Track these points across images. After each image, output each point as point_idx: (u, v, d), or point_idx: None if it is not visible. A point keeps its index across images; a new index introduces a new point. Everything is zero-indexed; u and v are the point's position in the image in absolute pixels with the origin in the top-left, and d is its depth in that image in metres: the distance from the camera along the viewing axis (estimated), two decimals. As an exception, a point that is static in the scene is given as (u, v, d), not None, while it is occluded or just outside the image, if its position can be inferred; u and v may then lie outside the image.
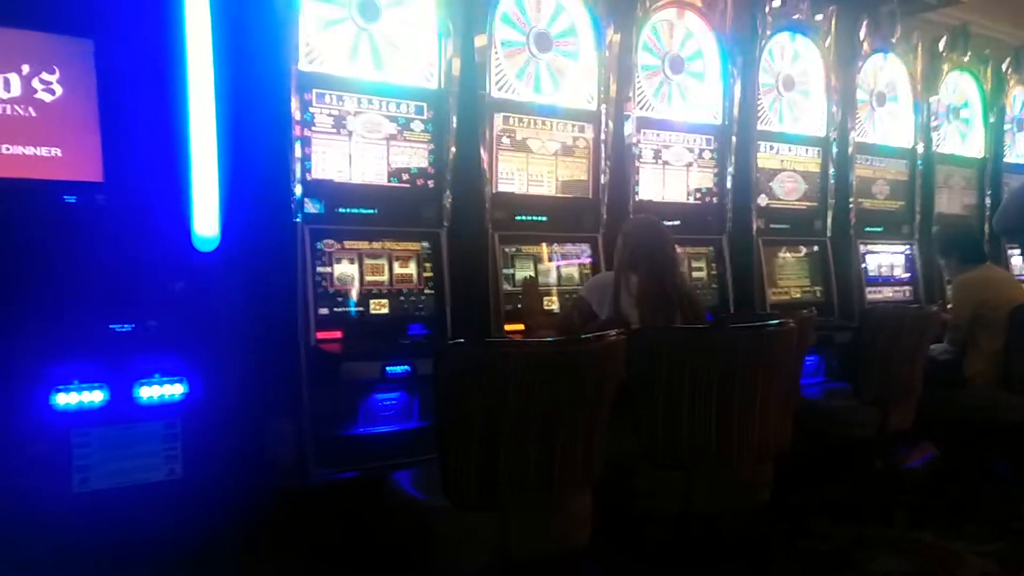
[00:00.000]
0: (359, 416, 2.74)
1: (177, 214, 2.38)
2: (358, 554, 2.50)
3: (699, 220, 3.83)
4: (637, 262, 2.79)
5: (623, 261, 2.84)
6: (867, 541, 3.29)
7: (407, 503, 2.13)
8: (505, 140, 3.23)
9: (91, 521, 2.18)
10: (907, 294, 4.62)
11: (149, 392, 2.29)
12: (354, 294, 2.85)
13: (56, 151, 2.28)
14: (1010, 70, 5.20)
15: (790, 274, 4.11)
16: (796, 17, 4.07)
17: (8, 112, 2.22)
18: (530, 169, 3.30)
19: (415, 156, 3.02)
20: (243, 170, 2.53)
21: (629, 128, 3.55)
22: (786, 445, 2.40)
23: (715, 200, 3.88)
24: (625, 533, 2.63)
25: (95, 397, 2.21)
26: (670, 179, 3.76)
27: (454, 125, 3.03)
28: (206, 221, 2.40)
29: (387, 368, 2.62)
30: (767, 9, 3.93)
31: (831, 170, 4.25)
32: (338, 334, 2.76)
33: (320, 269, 2.78)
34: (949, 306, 4.06)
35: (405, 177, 3.00)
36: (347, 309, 2.83)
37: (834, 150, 4.25)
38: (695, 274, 3.77)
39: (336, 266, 2.83)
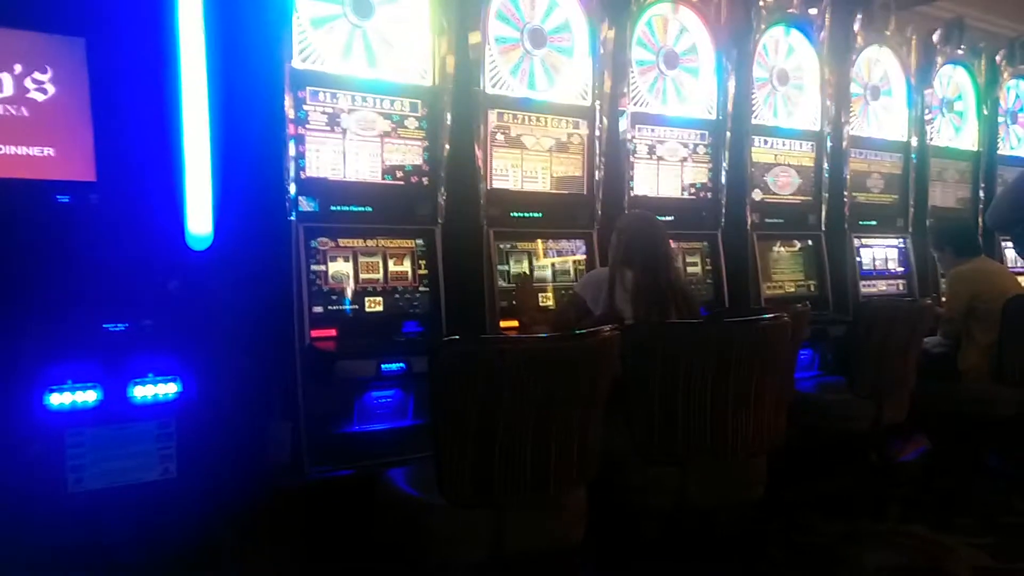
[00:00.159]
0: (354, 414, 2.74)
1: (171, 213, 2.37)
2: (353, 552, 2.51)
3: (693, 215, 3.84)
4: (632, 258, 2.80)
5: (617, 257, 2.85)
6: (860, 534, 3.31)
7: (402, 501, 2.13)
8: (500, 137, 3.22)
9: (85, 521, 2.18)
10: (901, 288, 4.63)
11: (143, 391, 2.28)
12: (349, 292, 2.85)
13: (49, 151, 2.27)
14: (1004, 63, 5.20)
15: (784, 268, 4.12)
16: (790, 11, 4.07)
17: (0, 112, 2.21)
18: (525, 165, 3.30)
19: (409, 153, 3.02)
20: (237, 168, 2.52)
21: (623, 124, 3.55)
22: (780, 439, 2.41)
23: (709, 195, 3.88)
24: (620, 528, 2.64)
25: (89, 397, 2.20)
26: (664, 174, 3.76)
27: (448, 122, 3.03)
28: (200, 220, 2.40)
29: (382, 366, 2.62)
30: (761, 3, 3.92)
31: (825, 164, 4.25)
32: (333, 332, 2.76)
33: (314, 267, 2.78)
34: (943, 299, 4.07)
35: (399, 174, 3.00)
36: (342, 307, 2.83)
37: (828, 144, 4.25)
38: (690, 269, 3.78)
39: (330, 264, 2.83)
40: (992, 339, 3.61)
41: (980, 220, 4.97)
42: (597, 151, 3.43)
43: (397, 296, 2.95)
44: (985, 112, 5.14)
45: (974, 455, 3.93)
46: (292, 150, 2.73)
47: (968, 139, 5.13)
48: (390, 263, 2.95)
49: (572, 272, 3.38)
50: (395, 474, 2.22)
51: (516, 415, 1.89)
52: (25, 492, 2.10)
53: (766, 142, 4.07)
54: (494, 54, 3.18)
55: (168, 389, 2.32)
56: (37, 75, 2.25)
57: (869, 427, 3.25)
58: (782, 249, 4.14)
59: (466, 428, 1.87)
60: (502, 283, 3.18)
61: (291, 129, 2.72)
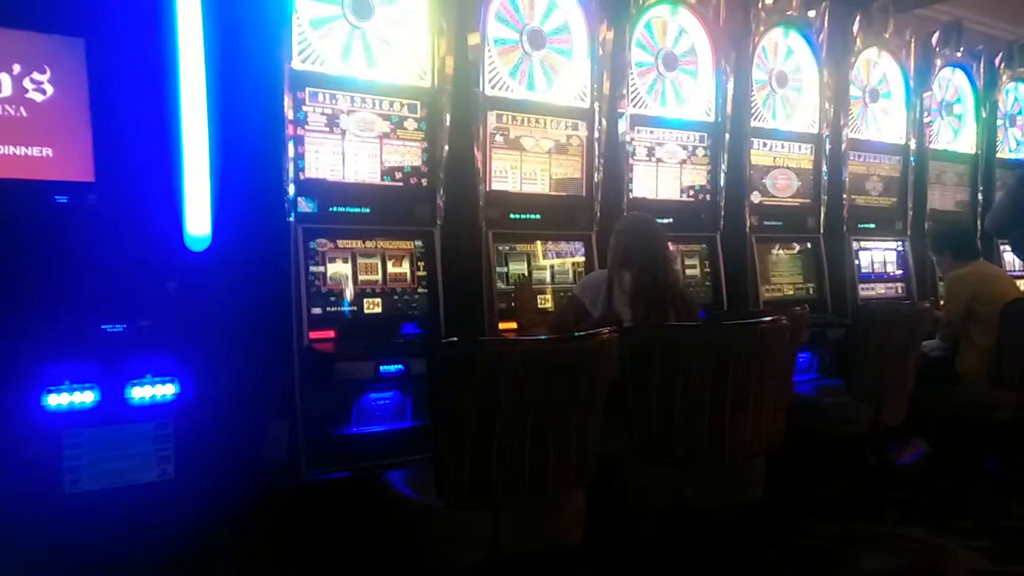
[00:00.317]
0: (352, 416, 2.74)
1: (169, 213, 2.36)
2: (351, 554, 2.50)
3: (692, 217, 3.84)
4: (630, 260, 2.80)
5: (616, 259, 2.85)
6: (858, 537, 3.30)
7: (401, 502, 2.13)
8: (499, 138, 3.23)
9: (82, 522, 2.17)
10: (900, 290, 4.63)
11: (141, 392, 2.28)
12: (347, 293, 2.85)
13: (47, 151, 2.27)
14: (1003, 65, 5.21)
15: (783, 271, 4.12)
16: (789, 13, 4.07)
17: (-1, 112, 2.21)
18: (524, 167, 3.30)
19: (408, 155, 3.02)
20: (236, 169, 2.52)
21: (623, 126, 3.55)
22: (779, 442, 2.40)
23: (708, 197, 3.88)
24: (618, 529, 2.64)
25: (86, 398, 2.20)
26: (663, 176, 3.76)
27: (447, 123, 3.03)
28: (198, 220, 2.39)
29: (380, 367, 2.62)
30: (760, 5, 3.93)
31: (824, 167, 4.25)
32: (331, 334, 2.76)
33: (313, 268, 2.78)
34: (942, 302, 4.07)
35: (398, 176, 3.00)
36: (340, 308, 2.83)
37: (827, 147, 4.26)
38: (688, 271, 3.78)
39: (329, 265, 2.82)
40: (990, 342, 3.60)
41: (979, 223, 4.97)
42: (596, 153, 3.43)
43: (396, 297, 2.95)
44: (984, 115, 5.15)
45: (972, 458, 3.93)
46: (291, 151, 2.73)
47: (967, 142, 5.14)
48: (389, 264, 2.95)
49: (571, 274, 3.38)
50: (393, 476, 2.22)
51: (515, 417, 1.89)
52: (22, 493, 2.10)
53: (765, 144, 4.07)
54: (493, 55, 3.18)
55: (166, 390, 2.32)
56: (36, 75, 2.24)
57: (867, 430, 3.25)
58: (781, 252, 4.14)
59: (465, 430, 1.87)
60: (501, 285, 3.18)
61: (290, 130, 2.72)
